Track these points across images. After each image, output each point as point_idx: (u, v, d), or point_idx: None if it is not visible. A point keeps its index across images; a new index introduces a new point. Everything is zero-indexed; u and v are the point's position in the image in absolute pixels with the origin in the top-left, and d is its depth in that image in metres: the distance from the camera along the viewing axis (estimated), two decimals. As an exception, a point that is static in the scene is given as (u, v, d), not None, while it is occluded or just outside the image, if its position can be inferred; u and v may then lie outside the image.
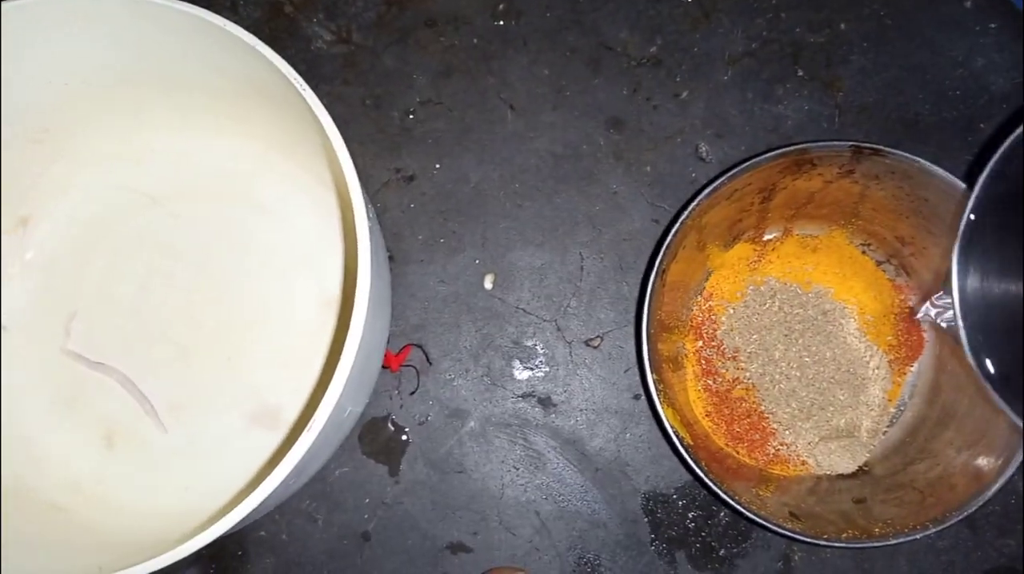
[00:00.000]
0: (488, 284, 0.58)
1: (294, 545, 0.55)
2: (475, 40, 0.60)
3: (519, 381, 0.57)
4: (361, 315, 0.39)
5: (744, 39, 0.59)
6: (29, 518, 0.48)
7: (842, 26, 0.59)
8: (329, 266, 0.56)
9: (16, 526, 0.47)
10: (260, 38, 0.41)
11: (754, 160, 0.49)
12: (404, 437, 0.57)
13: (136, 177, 0.57)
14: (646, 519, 0.55)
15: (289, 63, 0.41)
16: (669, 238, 0.49)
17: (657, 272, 0.49)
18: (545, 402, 0.57)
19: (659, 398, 0.48)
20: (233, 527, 0.38)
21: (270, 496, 0.38)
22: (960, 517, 0.46)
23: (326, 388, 0.53)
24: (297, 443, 0.38)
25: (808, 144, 0.49)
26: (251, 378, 0.55)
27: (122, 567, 0.38)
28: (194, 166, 0.57)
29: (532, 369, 0.57)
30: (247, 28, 0.41)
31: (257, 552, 0.55)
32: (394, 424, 0.57)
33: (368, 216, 0.41)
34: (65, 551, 0.46)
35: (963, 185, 0.48)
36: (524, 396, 0.57)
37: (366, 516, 0.56)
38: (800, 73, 0.59)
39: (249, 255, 0.56)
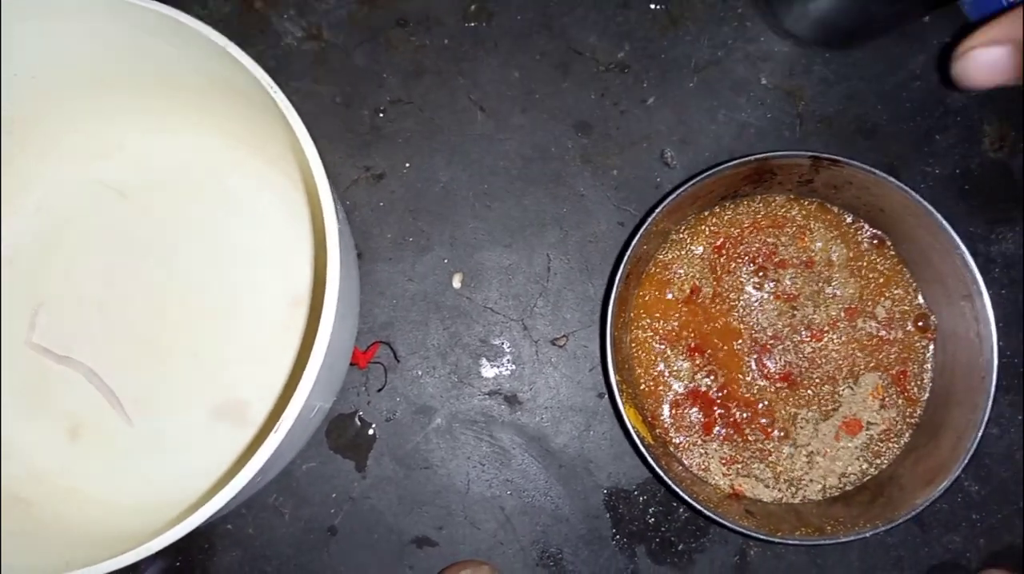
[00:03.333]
0: (456, 283, 0.59)
1: (261, 539, 0.56)
2: (446, 41, 0.61)
3: (486, 379, 0.58)
4: (330, 314, 0.40)
5: (710, 47, 0.61)
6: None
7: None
8: (297, 263, 0.57)
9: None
10: (229, 33, 0.41)
11: (718, 168, 0.50)
12: (371, 433, 0.57)
13: (105, 172, 0.57)
14: (608, 514, 0.57)
15: (259, 59, 0.41)
16: (635, 241, 0.50)
17: (622, 275, 0.50)
18: (511, 400, 0.58)
19: (621, 398, 0.49)
20: (203, 522, 0.38)
21: (240, 492, 0.39)
22: (909, 516, 0.48)
23: (295, 384, 0.54)
24: (267, 441, 0.39)
25: (769, 154, 0.50)
26: (218, 373, 0.56)
27: (90, 562, 0.39)
28: (163, 162, 0.57)
29: (499, 367, 0.58)
30: (216, 22, 0.42)
31: (223, 545, 0.56)
32: (361, 420, 0.57)
33: (337, 215, 0.41)
34: (31, 544, 0.46)
35: (918, 196, 0.49)
36: (490, 394, 0.58)
37: (333, 510, 0.56)
38: (764, 82, 0.60)
39: (217, 251, 0.56)
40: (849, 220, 0.55)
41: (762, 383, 0.54)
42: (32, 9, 0.43)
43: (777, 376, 0.54)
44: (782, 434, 0.54)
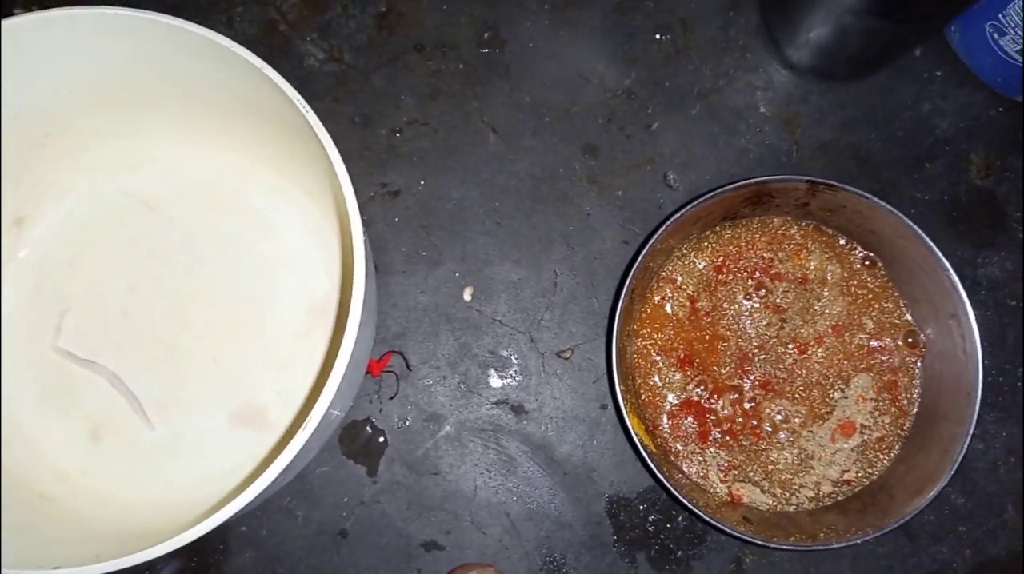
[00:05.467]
0: (467, 296, 0.61)
1: (274, 540, 0.58)
2: (461, 66, 0.63)
3: (494, 389, 0.60)
4: (355, 324, 0.42)
5: (712, 76, 0.64)
6: (20, 506, 0.50)
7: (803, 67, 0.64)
8: (314, 274, 0.59)
9: (10, 513, 0.48)
10: (255, 55, 0.44)
11: (717, 191, 0.53)
12: (382, 439, 0.59)
13: (132, 183, 0.59)
14: (609, 521, 0.59)
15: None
16: (641, 257, 0.53)
17: (628, 289, 0.53)
18: (518, 409, 0.60)
19: (625, 407, 0.52)
20: (222, 522, 0.40)
21: (260, 493, 0.41)
22: (898, 524, 0.51)
23: (312, 391, 0.56)
24: (291, 443, 0.41)
25: (768, 178, 0.53)
26: (237, 379, 0.58)
27: (116, 556, 0.41)
28: (188, 175, 0.60)
29: (506, 378, 0.60)
30: (242, 43, 0.44)
31: (238, 546, 0.58)
32: (373, 427, 0.59)
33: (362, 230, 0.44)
34: (58, 538, 0.48)
35: (908, 220, 0.52)
36: (498, 403, 0.60)
37: (344, 514, 0.58)
38: (763, 110, 0.64)
39: (238, 262, 0.59)
40: (843, 242, 0.58)
41: (748, 390, 0.57)
42: (74, 30, 0.46)
43: (758, 383, 0.57)
44: (775, 438, 0.56)
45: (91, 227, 0.59)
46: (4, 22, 0.45)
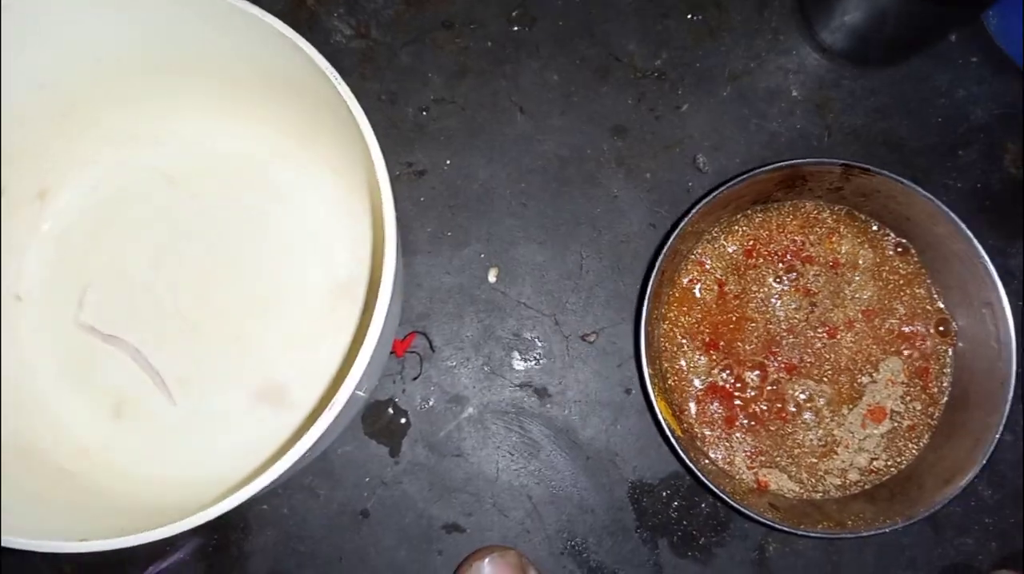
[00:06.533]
0: (491, 278, 0.61)
1: (295, 519, 0.58)
2: (489, 43, 0.63)
3: (517, 371, 0.60)
4: (385, 302, 0.41)
5: (744, 58, 0.63)
6: (42, 479, 0.50)
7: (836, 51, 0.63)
8: (339, 252, 0.58)
9: (31, 487, 0.48)
10: (284, 27, 0.43)
11: (750, 173, 0.52)
12: (404, 420, 0.59)
13: (156, 157, 0.59)
14: (632, 507, 0.59)
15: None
16: (671, 239, 0.52)
17: (657, 271, 0.52)
18: (541, 392, 0.59)
19: (654, 392, 0.51)
20: (246, 500, 0.40)
21: (284, 472, 0.40)
22: (927, 514, 0.50)
23: (339, 371, 0.55)
24: (317, 423, 0.40)
25: (802, 160, 0.53)
26: (259, 356, 0.57)
27: (140, 530, 0.40)
28: (212, 149, 0.59)
29: (530, 361, 0.60)
30: (269, 18, 0.44)
31: (259, 524, 0.57)
32: (396, 407, 0.59)
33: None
34: (81, 512, 0.48)
35: (943, 206, 0.51)
36: (521, 386, 0.60)
37: (366, 494, 0.58)
38: (795, 94, 0.63)
39: (262, 238, 0.58)
40: (876, 227, 0.57)
41: (774, 372, 0.56)
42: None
43: (784, 366, 0.56)
44: (800, 419, 0.55)
45: (114, 201, 0.59)
46: None
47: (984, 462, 0.50)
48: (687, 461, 0.50)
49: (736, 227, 0.58)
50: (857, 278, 0.57)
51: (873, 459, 0.55)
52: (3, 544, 0.40)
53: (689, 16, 0.63)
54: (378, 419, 0.59)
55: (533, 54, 0.62)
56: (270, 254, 0.59)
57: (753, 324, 0.57)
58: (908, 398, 0.56)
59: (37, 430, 0.53)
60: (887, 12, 0.58)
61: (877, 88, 0.63)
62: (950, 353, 0.56)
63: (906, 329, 0.56)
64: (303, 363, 0.57)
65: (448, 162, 0.61)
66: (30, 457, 0.50)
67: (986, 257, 0.51)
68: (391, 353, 0.58)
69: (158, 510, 0.50)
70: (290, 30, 0.44)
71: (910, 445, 0.55)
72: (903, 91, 0.63)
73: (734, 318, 0.57)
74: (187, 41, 0.50)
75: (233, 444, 0.56)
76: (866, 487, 0.55)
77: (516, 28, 0.63)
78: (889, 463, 0.55)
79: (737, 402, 0.55)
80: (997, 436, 0.50)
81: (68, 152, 0.57)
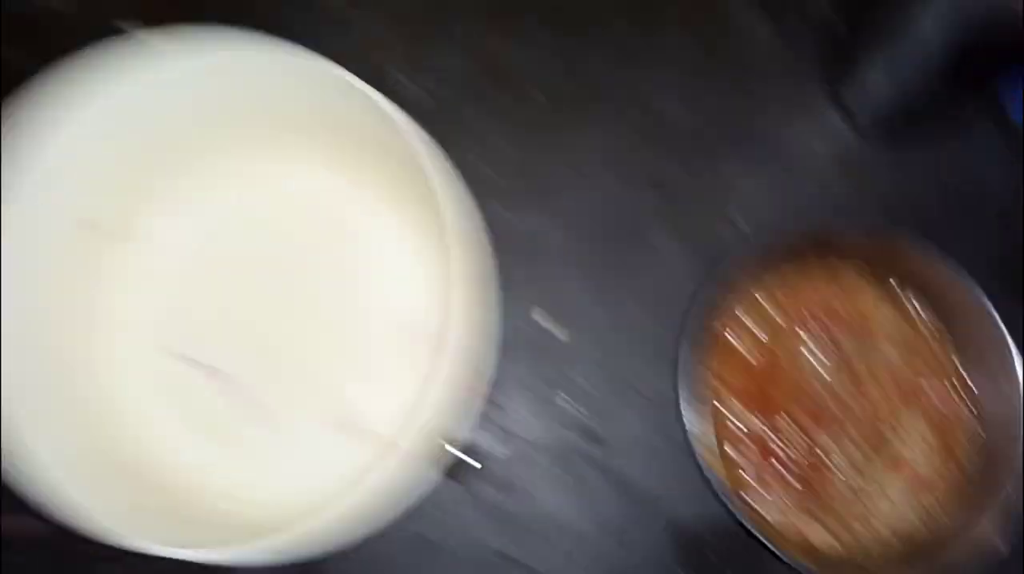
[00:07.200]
0: (537, 317, 0.66)
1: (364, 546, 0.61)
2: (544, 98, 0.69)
3: (565, 411, 0.64)
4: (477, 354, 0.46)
5: (778, 122, 0.69)
6: (144, 495, 0.55)
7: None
8: (418, 297, 0.63)
9: (138, 501, 0.54)
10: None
11: (785, 233, 0.59)
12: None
13: (246, 199, 0.64)
14: (673, 549, 0.63)
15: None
16: (706, 293, 0.58)
17: (695, 323, 0.58)
18: (588, 433, 0.64)
19: (696, 438, 0.56)
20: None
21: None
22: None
23: (417, 408, 0.59)
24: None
25: (833, 225, 0.59)
26: (341, 392, 0.62)
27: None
28: (293, 193, 0.64)
29: (577, 401, 0.65)
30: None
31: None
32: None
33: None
34: (175, 525, 0.53)
35: (970, 282, 0.58)
36: (569, 426, 0.64)
37: (424, 520, 0.62)
38: (824, 158, 0.68)
39: (342, 279, 0.64)
40: (899, 290, 0.62)
41: (808, 425, 0.61)
42: (220, 66, 0.51)
43: (816, 417, 0.61)
44: (837, 474, 0.60)
45: (201, 236, 0.64)
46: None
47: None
48: (730, 508, 0.55)
49: (770, 283, 0.63)
50: (882, 337, 0.62)
51: (909, 519, 0.60)
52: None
53: (729, 78, 0.69)
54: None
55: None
56: (350, 294, 0.64)
57: (788, 376, 0.62)
58: (932, 454, 0.60)
59: (135, 451, 0.58)
60: (910, 89, 0.63)
61: (901, 156, 0.68)
62: (975, 425, 0.61)
63: (927, 386, 0.61)
64: (385, 400, 0.60)
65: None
66: (136, 475, 0.56)
67: (1001, 324, 0.57)
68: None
69: (241, 528, 0.54)
70: (391, 105, 0.49)
71: (936, 505, 0.60)
72: (925, 159, 0.68)
73: (769, 371, 0.62)
74: (287, 102, 0.56)
75: (314, 472, 0.59)
76: (904, 549, 0.59)
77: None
78: (922, 526, 0.59)
79: (777, 452, 0.60)
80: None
81: (161, 189, 0.62)
